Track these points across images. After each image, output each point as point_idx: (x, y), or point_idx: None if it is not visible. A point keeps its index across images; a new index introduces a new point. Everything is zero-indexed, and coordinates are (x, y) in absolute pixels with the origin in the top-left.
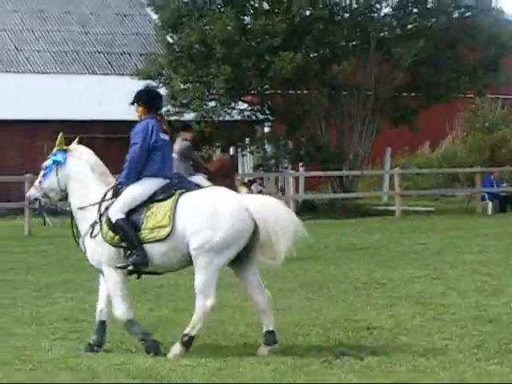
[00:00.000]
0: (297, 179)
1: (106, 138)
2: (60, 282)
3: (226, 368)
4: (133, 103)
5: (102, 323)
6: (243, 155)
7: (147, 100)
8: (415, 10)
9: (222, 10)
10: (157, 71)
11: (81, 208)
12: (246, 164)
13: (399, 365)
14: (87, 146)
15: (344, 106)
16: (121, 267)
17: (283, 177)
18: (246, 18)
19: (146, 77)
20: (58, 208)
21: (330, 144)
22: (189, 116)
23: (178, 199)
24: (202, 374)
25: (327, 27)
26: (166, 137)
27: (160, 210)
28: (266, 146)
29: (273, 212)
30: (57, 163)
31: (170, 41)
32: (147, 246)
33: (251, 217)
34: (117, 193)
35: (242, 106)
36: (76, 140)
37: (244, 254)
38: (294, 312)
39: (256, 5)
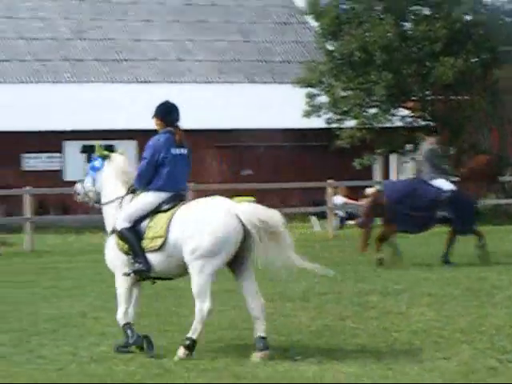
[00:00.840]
0: None
1: (267, 146)
2: (223, 290)
3: (390, 377)
4: (152, 117)
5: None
6: (404, 162)
7: (162, 113)
8: None
9: (382, 16)
10: (317, 79)
11: (103, 204)
12: (407, 171)
13: None
14: (250, 154)
15: (505, 111)
16: (124, 274)
17: None
18: (406, 24)
19: (307, 85)
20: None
21: (491, 149)
22: (349, 123)
23: (176, 211)
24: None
25: (488, 32)
26: (180, 150)
27: (159, 221)
28: None
29: (262, 218)
30: (95, 169)
31: (330, 48)
32: (148, 255)
33: (241, 223)
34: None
35: (403, 112)
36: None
37: (238, 259)
38: (459, 319)
39: (416, 11)
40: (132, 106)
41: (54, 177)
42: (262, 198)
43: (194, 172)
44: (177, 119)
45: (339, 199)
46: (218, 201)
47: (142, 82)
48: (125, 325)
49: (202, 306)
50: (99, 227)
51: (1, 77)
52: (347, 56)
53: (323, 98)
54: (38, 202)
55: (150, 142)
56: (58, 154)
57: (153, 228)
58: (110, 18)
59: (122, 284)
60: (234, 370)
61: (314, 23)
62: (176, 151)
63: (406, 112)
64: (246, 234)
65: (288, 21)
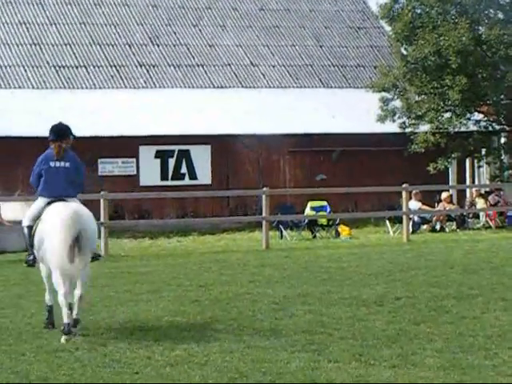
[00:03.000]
0: None
1: (343, 150)
2: (298, 295)
3: (466, 381)
4: None
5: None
6: (479, 166)
7: (49, 134)
8: None
9: (456, 20)
10: (391, 83)
11: None
12: (483, 175)
13: None
14: (324, 159)
15: None
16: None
17: None
18: (480, 28)
19: (381, 89)
20: None
21: None
22: (424, 127)
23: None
24: None
25: None
26: (56, 163)
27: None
28: (503, 157)
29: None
30: None
31: (404, 53)
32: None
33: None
34: None
35: (478, 116)
36: None
37: None
38: None
39: (491, 15)
40: (207, 111)
41: (130, 182)
42: (336, 202)
43: (268, 177)
44: (56, 137)
45: (414, 204)
46: (57, 205)
47: (216, 87)
48: (47, 306)
49: (59, 292)
50: (175, 232)
51: (76, 83)
52: (421, 60)
53: (397, 103)
54: (114, 207)
55: (38, 158)
56: (133, 159)
57: (36, 226)
58: (184, 24)
59: (41, 271)
60: (309, 374)
61: (387, 27)
62: (54, 163)
63: (480, 116)
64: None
65: (362, 25)
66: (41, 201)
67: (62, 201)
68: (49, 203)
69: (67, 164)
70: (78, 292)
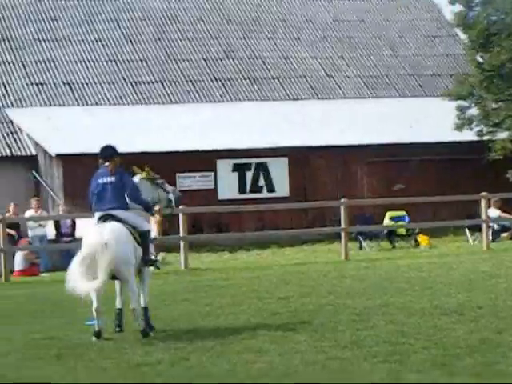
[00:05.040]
0: None
1: (421, 160)
2: (379, 305)
3: None
4: None
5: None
6: None
7: (100, 153)
8: None
9: None
10: (468, 91)
11: None
12: None
13: None
14: (402, 169)
15: None
16: None
17: None
18: None
19: (457, 97)
20: None
21: None
22: (502, 135)
23: None
24: None
25: None
26: (104, 179)
27: None
28: None
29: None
30: None
31: (480, 60)
32: None
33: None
34: None
35: None
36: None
37: None
38: None
39: None
40: (283, 124)
41: (208, 196)
42: (415, 212)
43: (346, 188)
44: (106, 155)
45: (493, 212)
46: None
47: (292, 99)
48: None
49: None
50: (253, 245)
51: (152, 98)
52: (497, 68)
53: (474, 111)
54: (192, 221)
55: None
56: (210, 173)
57: None
58: (259, 37)
59: None
60: None
61: (462, 35)
62: (106, 179)
63: None
64: None
65: (437, 34)
66: (95, 216)
67: (109, 216)
68: (100, 218)
69: (113, 178)
70: (130, 306)
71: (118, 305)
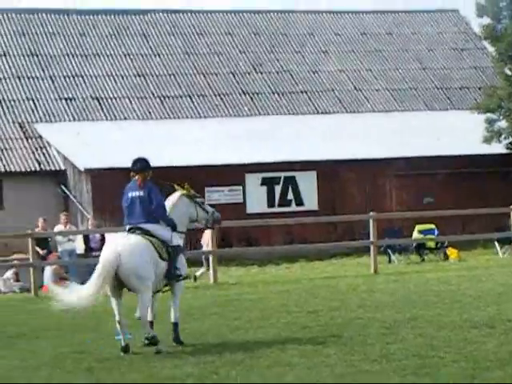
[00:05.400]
0: None
1: (447, 173)
2: (408, 319)
3: None
4: None
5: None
6: None
7: (132, 166)
8: None
9: None
10: (496, 104)
11: None
12: None
13: None
14: (430, 181)
15: None
16: None
17: None
18: None
19: (486, 110)
20: None
21: None
22: None
23: None
24: None
25: None
26: (133, 193)
27: None
28: None
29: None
30: None
31: (509, 73)
32: None
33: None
34: None
35: None
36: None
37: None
38: None
39: None
40: (311, 137)
41: (236, 209)
42: (444, 225)
43: (374, 201)
44: (137, 169)
45: None
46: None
47: (320, 112)
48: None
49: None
50: (282, 259)
51: (181, 112)
52: None
53: (503, 123)
54: (221, 235)
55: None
56: (239, 187)
57: None
58: (286, 50)
59: None
60: None
61: (491, 48)
62: (134, 193)
63: None
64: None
65: (465, 46)
66: (126, 229)
67: (137, 228)
68: (128, 230)
69: (141, 192)
70: (135, 314)
71: (173, 319)
